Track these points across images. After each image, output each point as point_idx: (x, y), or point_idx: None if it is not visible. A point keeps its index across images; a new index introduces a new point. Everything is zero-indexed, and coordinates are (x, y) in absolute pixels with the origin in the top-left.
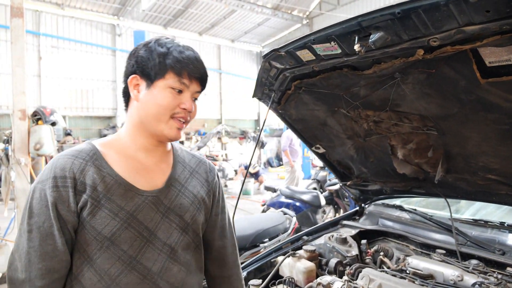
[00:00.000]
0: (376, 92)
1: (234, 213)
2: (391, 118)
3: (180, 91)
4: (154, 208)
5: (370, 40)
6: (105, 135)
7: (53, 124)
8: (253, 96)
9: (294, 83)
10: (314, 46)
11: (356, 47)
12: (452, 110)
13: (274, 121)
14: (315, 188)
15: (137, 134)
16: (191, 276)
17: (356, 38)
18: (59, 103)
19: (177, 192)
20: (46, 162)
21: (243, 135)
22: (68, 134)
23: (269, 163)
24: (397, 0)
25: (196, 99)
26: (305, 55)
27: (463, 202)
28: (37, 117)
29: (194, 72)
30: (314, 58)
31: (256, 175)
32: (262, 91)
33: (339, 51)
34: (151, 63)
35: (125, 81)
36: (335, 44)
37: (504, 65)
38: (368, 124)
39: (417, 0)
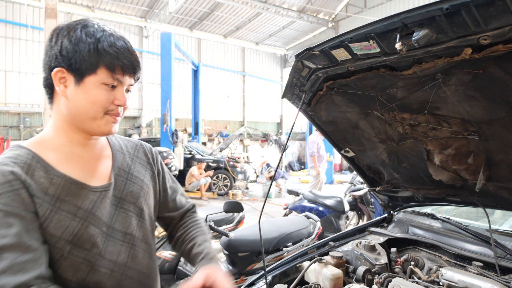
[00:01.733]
0: (414, 94)
1: (260, 217)
2: (429, 121)
3: (113, 86)
4: (108, 202)
5: (413, 38)
6: (130, 135)
7: None
8: (282, 97)
9: (327, 84)
10: (351, 44)
11: (398, 45)
12: (498, 114)
13: (296, 124)
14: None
15: (69, 130)
16: (153, 259)
17: (398, 36)
18: None
19: (125, 180)
20: None
21: (265, 137)
22: None
23: (290, 167)
24: (425, 0)
25: (129, 90)
26: (340, 54)
27: (499, 213)
28: None
29: (127, 66)
30: (350, 57)
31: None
32: (292, 91)
33: (378, 50)
34: (78, 56)
35: (47, 72)
36: (374, 42)
37: None
38: (403, 128)
39: None
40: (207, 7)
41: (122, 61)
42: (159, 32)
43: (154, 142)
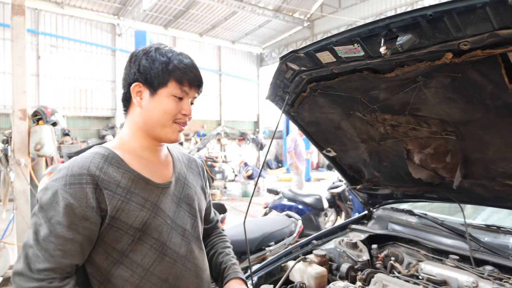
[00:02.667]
0: (396, 96)
1: (245, 218)
2: (410, 122)
3: (180, 98)
4: (170, 199)
5: (398, 43)
6: (103, 136)
7: (54, 124)
8: (266, 98)
9: (310, 86)
10: (336, 48)
11: (382, 49)
12: (475, 115)
13: (274, 123)
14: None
15: (142, 137)
16: (205, 256)
17: (383, 40)
18: (58, 103)
19: (182, 184)
20: (47, 163)
21: (243, 136)
22: (66, 134)
23: (268, 165)
24: (397, 3)
25: (192, 103)
26: (325, 57)
27: (472, 207)
28: (38, 117)
29: (193, 80)
30: (334, 60)
31: (250, 178)
32: (276, 93)
33: (362, 53)
34: (153, 72)
35: (126, 88)
36: (358, 46)
37: None
38: (384, 128)
39: (452, 2)
40: (182, 5)
41: (189, 76)
42: (133, 30)
43: None
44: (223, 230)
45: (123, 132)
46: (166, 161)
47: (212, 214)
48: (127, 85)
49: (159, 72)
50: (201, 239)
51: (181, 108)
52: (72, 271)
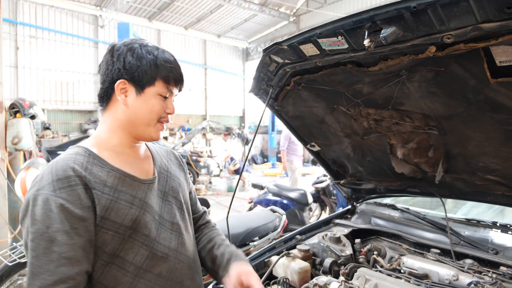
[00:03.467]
0: (379, 90)
1: (228, 213)
2: (393, 116)
3: (165, 97)
4: (155, 194)
5: (381, 35)
6: (86, 130)
7: (33, 117)
8: (249, 92)
9: (294, 79)
10: (319, 40)
11: (366, 42)
12: (457, 110)
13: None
14: None
15: (122, 133)
16: (196, 247)
17: (366, 32)
18: (37, 96)
19: (165, 177)
20: (25, 157)
21: (228, 131)
22: (47, 128)
23: (253, 160)
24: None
25: (173, 99)
26: (309, 49)
27: (453, 202)
28: (15, 109)
29: (179, 79)
30: (318, 53)
31: (237, 172)
32: (259, 86)
33: (346, 46)
34: (140, 70)
35: (108, 84)
36: (342, 38)
37: None
38: (368, 123)
39: None
40: None
41: (175, 75)
42: (116, 22)
43: None
44: (215, 224)
45: (100, 129)
46: (145, 155)
47: (198, 203)
48: (109, 81)
49: (147, 71)
50: (191, 230)
51: (166, 107)
52: (84, 281)
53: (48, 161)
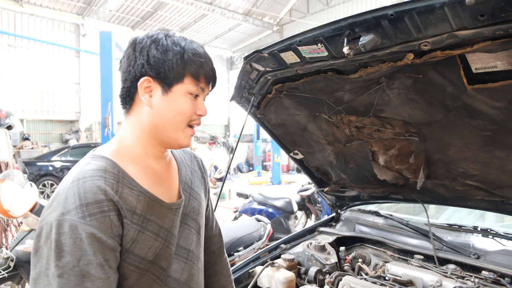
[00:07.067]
0: (360, 97)
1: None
2: (374, 123)
3: (196, 96)
4: (178, 219)
5: (360, 43)
6: (67, 140)
7: (9, 127)
8: (231, 100)
9: (275, 87)
10: (300, 48)
11: (345, 49)
12: (436, 116)
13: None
14: None
15: (147, 141)
16: (202, 276)
17: (345, 40)
18: (17, 106)
19: (189, 196)
20: (0, 169)
21: (213, 140)
22: (26, 138)
23: (238, 169)
24: (364, 9)
25: (204, 100)
26: (289, 57)
27: (436, 207)
28: None
29: (210, 75)
30: (298, 60)
31: (221, 180)
32: (241, 94)
33: (326, 53)
34: (167, 65)
35: (130, 82)
36: (322, 46)
37: (490, 72)
38: (350, 130)
39: (412, 2)
40: (150, 7)
41: (205, 70)
42: (98, 31)
43: (95, 147)
44: (226, 257)
45: (123, 134)
46: (171, 167)
47: (214, 220)
48: (131, 79)
49: (174, 65)
50: (201, 256)
51: (196, 108)
52: None
53: (25, 172)
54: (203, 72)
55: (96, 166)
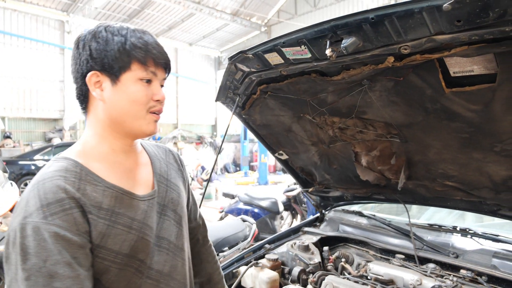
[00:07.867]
0: (343, 99)
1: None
2: (357, 125)
3: (149, 81)
4: (154, 210)
5: (342, 45)
6: (50, 139)
7: None
8: (216, 100)
9: (260, 87)
10: (283, 49)
11: (328, 51)
12: (416, 118)
13: (231, 126)
14: None
15: (111, 136)
16: (188, 268)
17: (328, 42)
18: None
19: (165, 187)
20: None
21: (200, 140)
22: (7, 137)
23: (225, 169)
24: (351, 10)
25: (162, 85)
26: (273, 58)
27: (417, 208)
28: None
29: (158, 57)
30: (282, 61)
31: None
32: (226, 95)
33: (309, 55)
34: (110, 56)
35: (80, 80)
36: (305, 48)
37: (467, 76)
38: (333, 131)
39: (391, 7)
40: (137, 5)
41: (152, 53)
42: (83, 28)
43: None
44: (210, 244)
45: (87, 135)
46: (142, 162)
47: (197, 211)
48: (80, 77)
49: (116, 54)
50: (186, 247)
51: (151, 93)
52: None
53: (5, 171)
54: (150, 56)
55: (57, 167)
